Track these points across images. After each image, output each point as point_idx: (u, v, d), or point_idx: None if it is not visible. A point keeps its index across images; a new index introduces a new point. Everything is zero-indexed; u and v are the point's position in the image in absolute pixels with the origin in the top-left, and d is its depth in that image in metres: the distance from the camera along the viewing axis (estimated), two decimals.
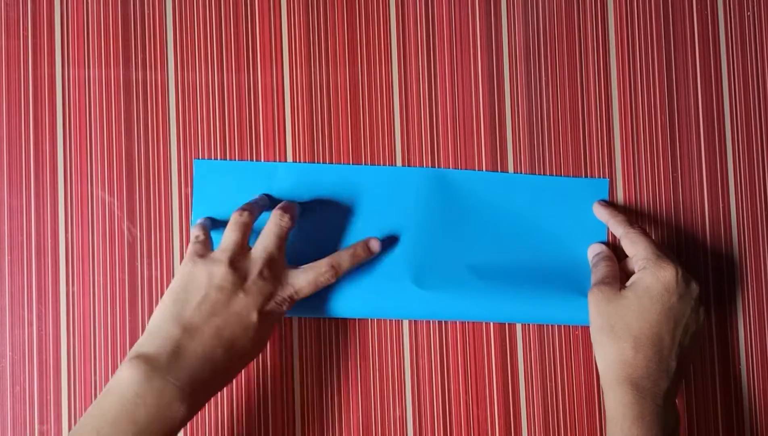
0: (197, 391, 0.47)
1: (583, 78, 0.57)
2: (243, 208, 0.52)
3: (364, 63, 0.57)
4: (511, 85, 0.57)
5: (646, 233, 0.53)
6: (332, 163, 0.56)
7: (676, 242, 0.57)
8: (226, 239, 0.51)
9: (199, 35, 0.57)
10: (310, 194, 0.56)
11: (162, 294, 0.55)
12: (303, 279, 0.51)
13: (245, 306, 0.49)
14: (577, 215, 0.56)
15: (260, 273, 0.50)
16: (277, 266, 0.51)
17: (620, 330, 0.50)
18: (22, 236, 0.55)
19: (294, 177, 0.56)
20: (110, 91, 0.56)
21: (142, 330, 0.55)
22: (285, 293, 0.51)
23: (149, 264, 0.56)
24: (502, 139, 0.57)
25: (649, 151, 0.57)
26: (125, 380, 0.46)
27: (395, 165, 0.56)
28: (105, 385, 0.47)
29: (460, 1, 0.58)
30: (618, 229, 0.54)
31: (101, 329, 0.55)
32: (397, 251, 0.56)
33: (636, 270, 0.52)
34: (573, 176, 0.57)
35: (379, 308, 0.55)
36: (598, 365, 0.51)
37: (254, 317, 0.49)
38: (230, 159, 0.56)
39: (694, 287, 0.51)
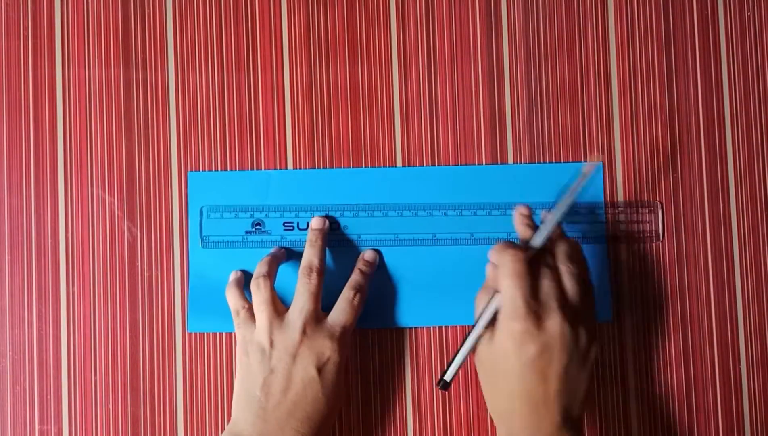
0: None
1: (583, 78, 0.57)
2: (258, 279, 0.52)
3: (364, 63, 0.57)
4: (511, 85, 0.57)
5: (513, 274, 0.48)
6: (331, 163, 0.56)
7: (676, 243, 0.57)
8: (260, 319, 0.51)
9: (199, 35, 0.57)
10: (305, 200, 0.56)
11: (162, 294, 0.55)
12: (341, 314, 0.52)
13: (303, 371, 0.50)
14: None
15: (303, 334, 0.50)
16: (317, 317, 0.51)
17: (498, 389, 0.49)
18: (22, 235, 0.55)
19: (288, 184, 0.56)
20: (110, 91, 0.56)
21: (142, 330, 0.55)
22: (335, 335, 0.51)
23: (149, 264, 0.56)
24: (503, 140, 0.57)
25: (649, 152, 0.57)
26: None
27: (395, 164, 0.56)
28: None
29: (460, 1, 0.58)
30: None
31: (101, 329, 0.55)
32: (396, 260, 0.56)
33: (499, 318, 0.49)
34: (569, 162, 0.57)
35: (388, 317, 0.56)
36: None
37: (314, 373, 0.50)
38: (230, 159, 0.56)
39: (554, 323, 0.47)
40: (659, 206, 0.56)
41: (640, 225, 0.57)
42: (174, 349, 0.55)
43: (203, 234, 0.55)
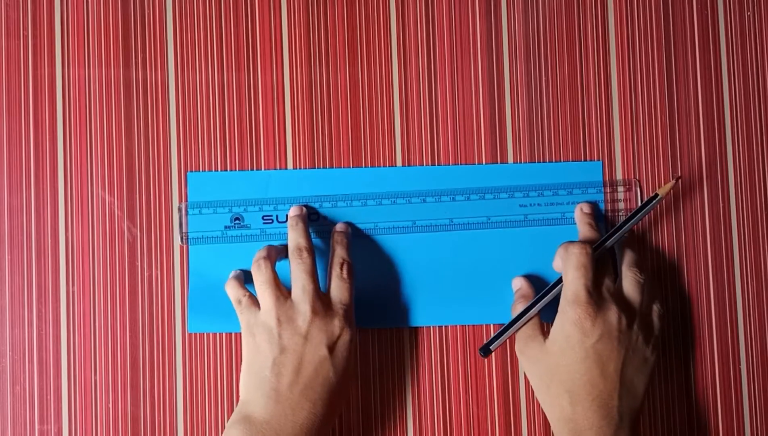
0: None
1: (583, 78, 0.57)
2: (259, 260, 0.52)
3: (365, 63, 0.57)
4: (511, 85, 0.57)
5: (579, 266, 0.50)
6: (331, 163, 0.56)
7: (676, 243, 0.57)
8: (264, 300, 0.51)
9: (199, 35, 0.57)
10: (305, 200, 0.56)
11: (162, 294, 0.55)
12: (337, 291, 0.52)
13: (314, 350, 0.50)
14: (572, 199, 0.56)
15: (312, 313, 0.50)
16: (321, 297, 0.51)
17: (555, 387, 0.50)
18: (22, 235, 0.55)
19: (288, 184, 0.56)
20: (110, 91, 0.56)
21: (143, 330, 0.55)
22: (338, 313, 0.51)
23: (149, 264, 0.56)
24: (503, 140, 0.57)
25: (649, 152, 0.57)
26: None
27: (395, 164, 0.57)
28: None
29: (460, 1, 0.58)
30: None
31: (101, 329, 0.55)
32: (397, 260, 0.56)
33: (559, 308, 0.51)
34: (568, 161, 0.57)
35: (389, 317, 0.56)
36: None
37: (325, 353, 0.50)
38: (230, 159, 0.56)
39: (612, 315, 0.50)
40: (636, 184, 0.57)
41: (623, 203, 0.57)
42: (174, 349, 0.55)
43: (182, 230, 0.55)
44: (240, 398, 0.51)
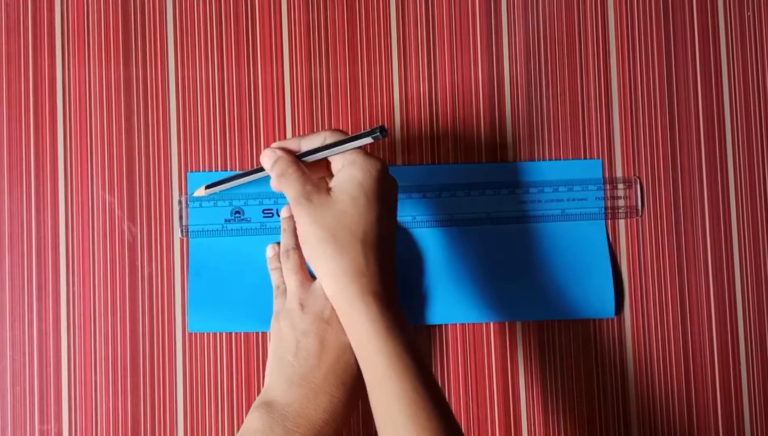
0: (320, 432, 0.48)
1: (583, 78, 0.57)
2: (288, 250, 0.53)
3: (365, 61, 0.57)
4: (511, 85, 0.57)
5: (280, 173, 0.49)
6: None
7: (676, 243, 0.57)
8: (290, 286, 0.52)
9: (199, 33, 0.57)
10: None
11: (162, 294, 0.55)
12: None
13: (336, 336, 0.50)
14: (572, 196, 0.56)
15: None
16: None
17: (344, 238, 0.46)
18: (22, 235, 0.55)
19: None
20: (110, 89, 0.56)
21: (143, 330, 0.55)
22: None
23: (149, 264, 0.55)
24: (503, 139, 0.57)
25: (649, 152, 0.57)
26: (250, 431, 0.48)
27: (395, 163, 0.57)
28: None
29: (460, 1, 0.58)
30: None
31: (101, 328, 0.55)
32: (396, 256, 0.56)
33: (340, 168, 0.48)
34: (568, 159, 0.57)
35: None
36: (324, 283, 0.48)
37: (347, 339, 0.49)
38: (230, 158, 0.56)
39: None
40: (637, 181, 0.57)
41: (623, 200, 0.57)
42: (174, 349, 0.55)
43: (182, 224, 0.55)
44: (264, 384, 0.51)
